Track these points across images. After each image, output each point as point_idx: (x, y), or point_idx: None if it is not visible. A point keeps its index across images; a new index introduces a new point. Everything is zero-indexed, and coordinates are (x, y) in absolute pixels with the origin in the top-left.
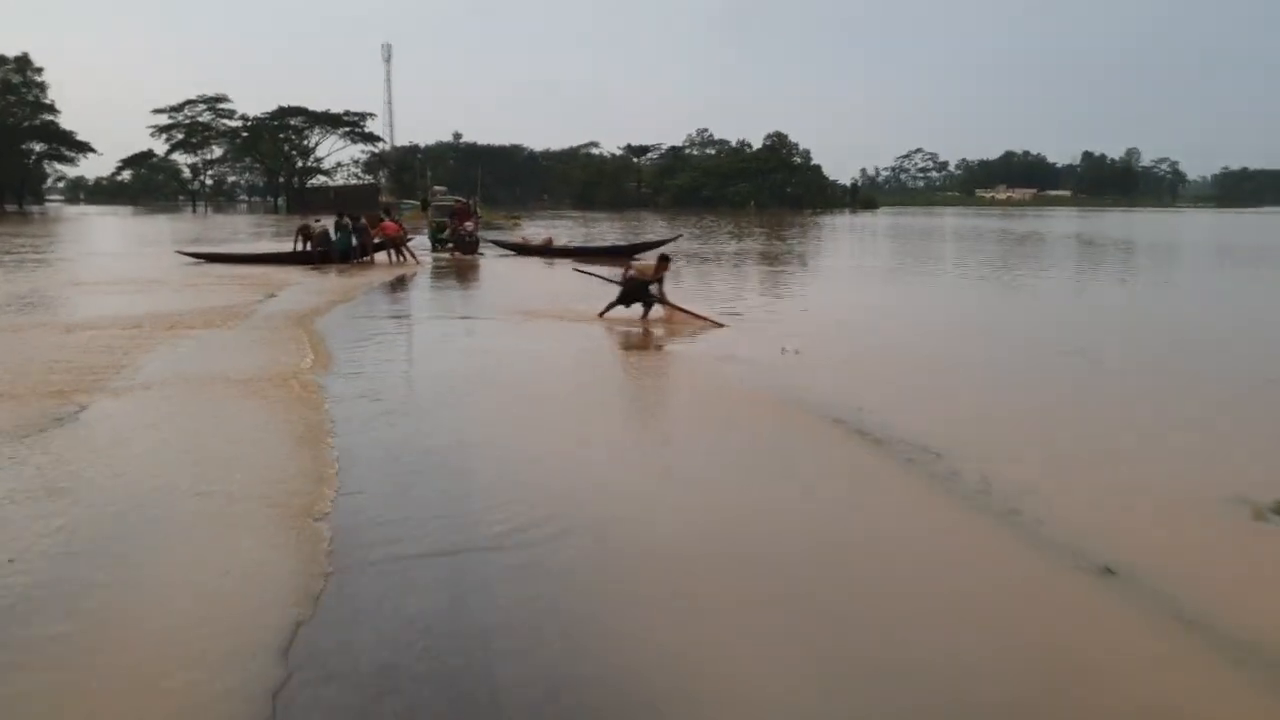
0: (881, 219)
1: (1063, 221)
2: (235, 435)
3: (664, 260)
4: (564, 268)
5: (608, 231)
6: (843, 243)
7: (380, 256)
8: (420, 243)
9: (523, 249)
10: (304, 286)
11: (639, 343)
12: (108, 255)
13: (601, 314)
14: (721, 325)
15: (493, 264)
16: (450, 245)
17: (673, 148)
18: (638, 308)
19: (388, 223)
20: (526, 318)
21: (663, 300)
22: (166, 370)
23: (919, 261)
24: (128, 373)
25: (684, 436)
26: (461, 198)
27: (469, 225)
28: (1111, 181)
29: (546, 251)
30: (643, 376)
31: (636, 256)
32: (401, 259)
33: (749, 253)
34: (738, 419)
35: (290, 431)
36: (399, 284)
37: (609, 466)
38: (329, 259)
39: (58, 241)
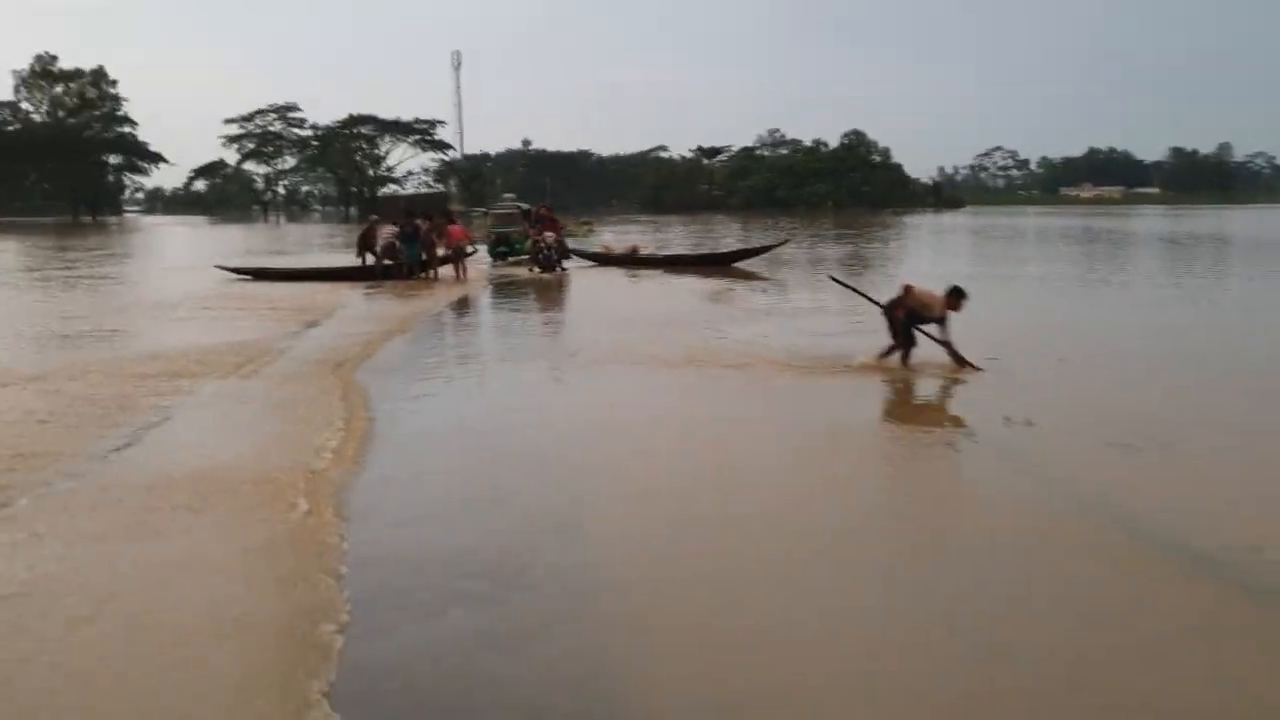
0: (976, 219)
1: (1186, 220)
2: (155, 646)
3: (957, 294)
4: (657, 281)
5: (685, 236)
6: (961, 245)
7: (445, 271)
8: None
9: (605, 259)
10: (353, 312)
11: (816, 406)
12: (146, 272)
13: (882, 357)
14: (980, 370)
15: (573, 278)
16: (525, 260)
17: (744, 149)
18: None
19: (454, 227)
20: (649, 364)
21: (949, 349)
22: (115, 463)
23: (1080, 268)
24: (56, 466)
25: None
26: (526, 205)
27: (549, 236)
28: (1205, 178)
29: (633, 261)
30: (874, 489)
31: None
32: (458, 274)
33: (859, 259)
34: (1109, 594)
35: (263, 636)
36: (465, 307)
37: None
38: (394, 274)
39: (109, 256)
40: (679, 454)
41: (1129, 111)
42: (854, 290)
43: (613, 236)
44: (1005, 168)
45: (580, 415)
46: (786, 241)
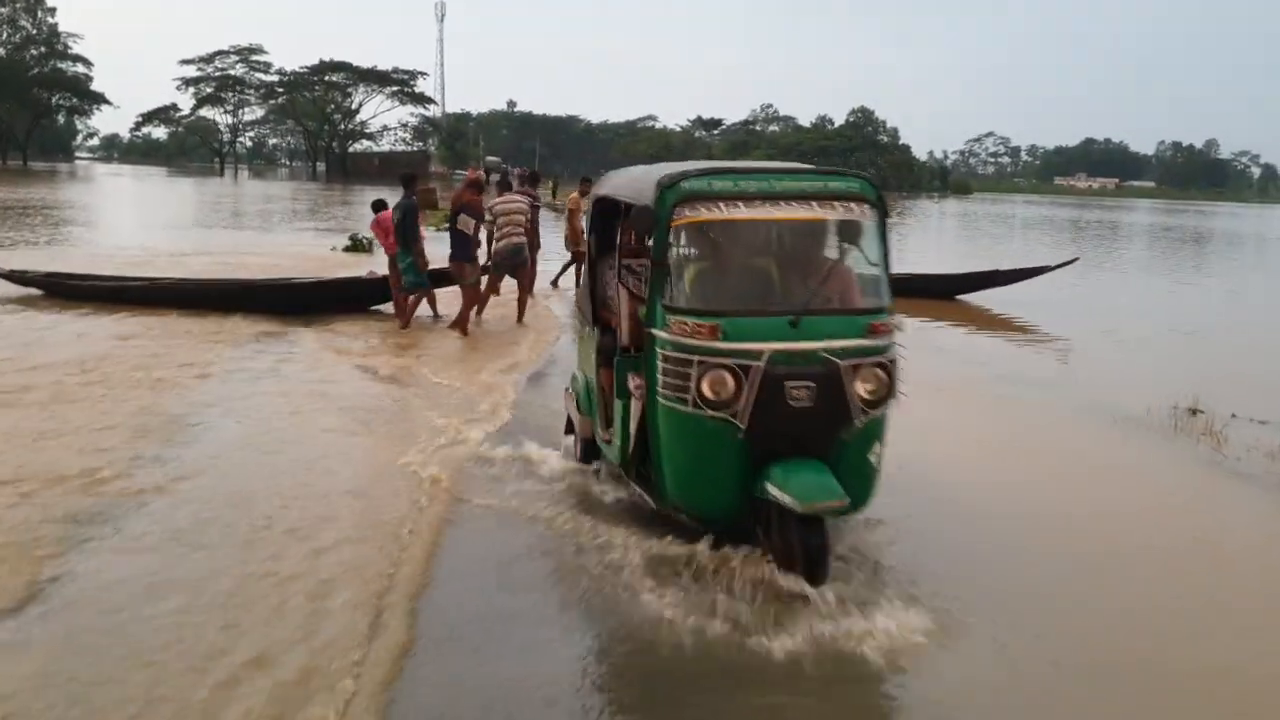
0: (1012, 208)
1: (1222, 218)
2: None
3: None
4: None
5: None
6: (1088, 247)
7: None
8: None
9: None
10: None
11: None
12: None
13: None
14: None
15: None
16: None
17: (744, 122)
18: None
19: (386, 212)
20: None
21: None
22: None
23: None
24: None
25: None
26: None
27: None
28: (1200, 173)
29: None
30: None
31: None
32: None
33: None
34: None
35: None
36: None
37: None
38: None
39: None
40: None
41: (1121, 102)
42: None
43: None
44: (996, 154)
45: None
46: (1074, 261)
